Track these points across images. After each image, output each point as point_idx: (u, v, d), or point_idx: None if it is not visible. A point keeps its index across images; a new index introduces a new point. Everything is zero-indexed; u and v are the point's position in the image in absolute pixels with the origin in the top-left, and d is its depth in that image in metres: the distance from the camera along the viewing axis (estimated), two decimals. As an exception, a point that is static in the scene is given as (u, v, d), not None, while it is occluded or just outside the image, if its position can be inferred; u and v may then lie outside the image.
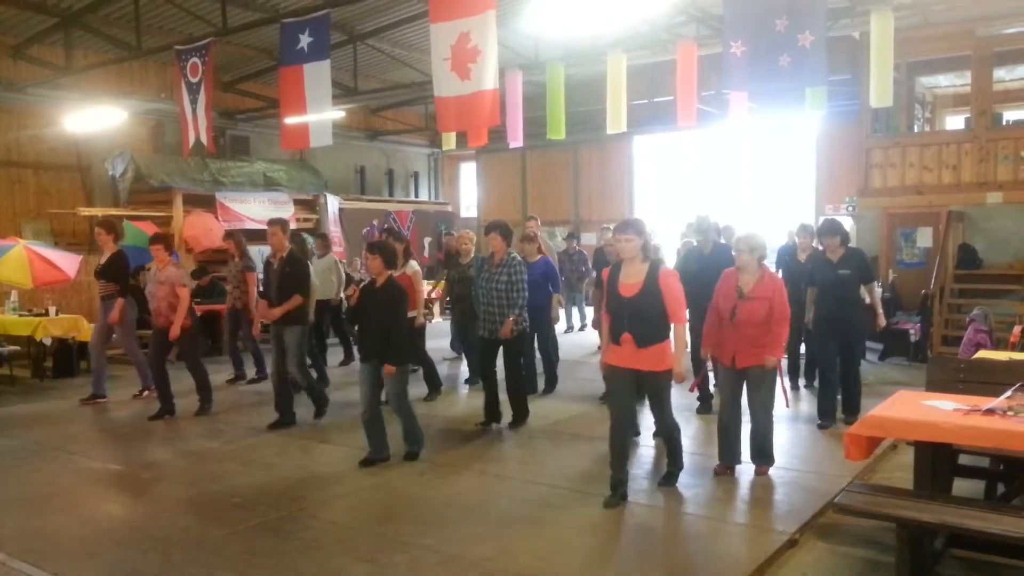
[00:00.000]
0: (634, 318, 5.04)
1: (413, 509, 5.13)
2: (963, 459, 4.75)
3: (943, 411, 4.06)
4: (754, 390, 5.64)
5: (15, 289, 10.10)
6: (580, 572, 4.21)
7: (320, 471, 5.94)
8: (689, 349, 7.05)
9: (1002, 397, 4.15)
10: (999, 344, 8.15)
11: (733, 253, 5.91)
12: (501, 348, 7.03)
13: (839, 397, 7.20)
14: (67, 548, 4.60)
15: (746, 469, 5.77)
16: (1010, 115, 14.04)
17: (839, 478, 5.43)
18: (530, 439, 6.83)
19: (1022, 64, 13.43)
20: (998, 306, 10.27)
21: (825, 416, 7.06)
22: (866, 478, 5.49)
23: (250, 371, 9.62)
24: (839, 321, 7.00)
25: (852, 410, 7.07)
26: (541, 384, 8.65)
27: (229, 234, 9.76)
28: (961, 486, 4.75)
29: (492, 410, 7.17)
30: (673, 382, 5.22)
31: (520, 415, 7.22)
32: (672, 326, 5.08)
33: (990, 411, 3.97)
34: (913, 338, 10.62)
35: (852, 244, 9.04)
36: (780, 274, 7.88)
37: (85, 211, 11.96)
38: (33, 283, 9.57)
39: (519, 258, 7.07)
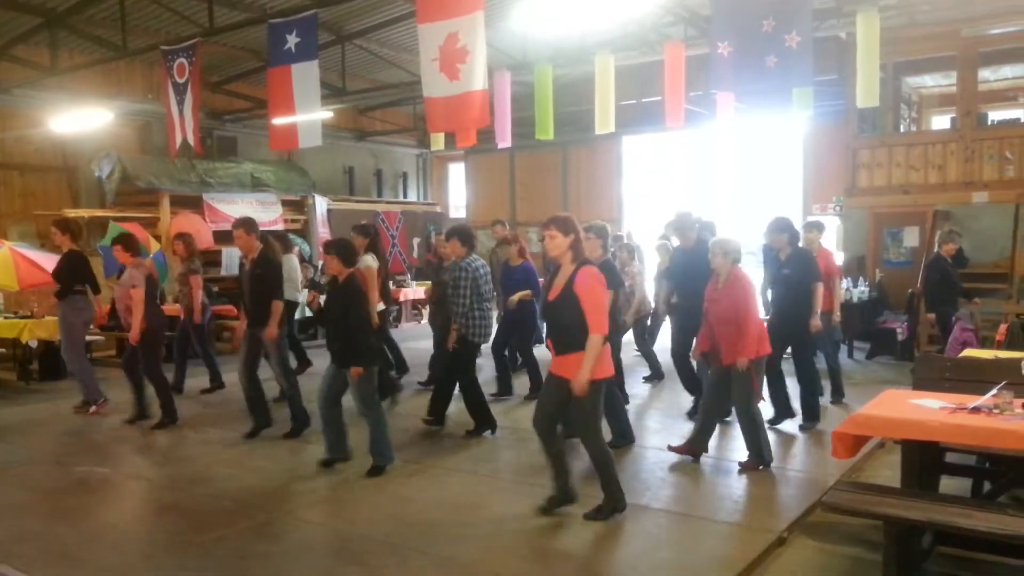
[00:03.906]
0: (552, 323, 4.83)
1: (403, 511, 5.12)
2: (950, 457, 4.77)
3: (930, 409, 4.09)
4: (736, 389, 5.85)
5: (0, 291, 10.01)
6: (570, 574, 4.22)
7: (309, 473, 5.92)
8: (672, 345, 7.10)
9: (988, 395, 4.18)
10: (985, 342, 8.22)
11: (708, 256, 6.02)
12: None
13: (789, 395, 7.17)
14: (55, 553, 4.56)
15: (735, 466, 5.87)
16: (995, 115, 14.15)
17: (827, 476, 5.48)
18: (520, 442, 6.82)
19: (1007, 64, 13.54)
20: (984, 305, 10.35)
21: (778, 415, 7.01)
22: (854, 476, 5.52)
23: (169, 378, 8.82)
24: (784, 320, 6.94)
25: (811, 416, 6.98)
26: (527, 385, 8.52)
27: (179, 235, 9.35)
28: (948, 484, 4.79)
29: (440, 411, 7.20)
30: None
31: (438, 417, 7.17)
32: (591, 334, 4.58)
33: (976, 409, 4.00)
34: (900, 337, 10.69)
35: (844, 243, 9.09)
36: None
37: (71, 212, 11.86)
38: (19, 285, 9.46)
39: (465, 264, 6.82)
